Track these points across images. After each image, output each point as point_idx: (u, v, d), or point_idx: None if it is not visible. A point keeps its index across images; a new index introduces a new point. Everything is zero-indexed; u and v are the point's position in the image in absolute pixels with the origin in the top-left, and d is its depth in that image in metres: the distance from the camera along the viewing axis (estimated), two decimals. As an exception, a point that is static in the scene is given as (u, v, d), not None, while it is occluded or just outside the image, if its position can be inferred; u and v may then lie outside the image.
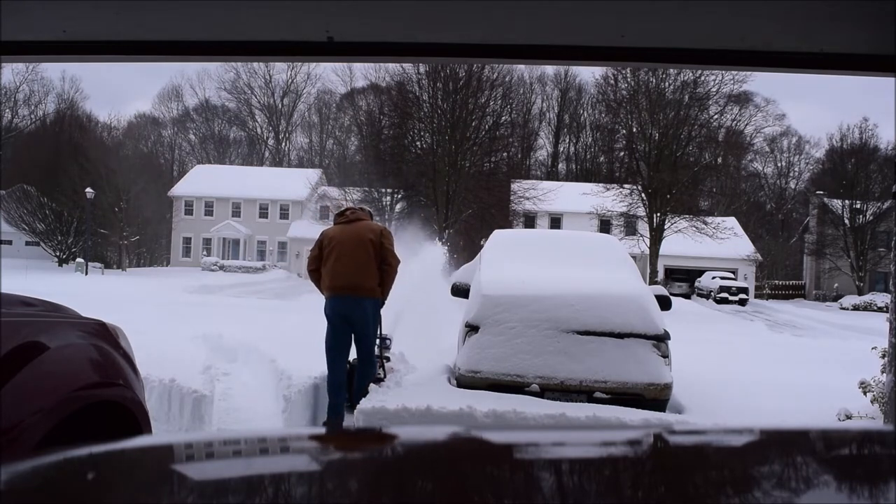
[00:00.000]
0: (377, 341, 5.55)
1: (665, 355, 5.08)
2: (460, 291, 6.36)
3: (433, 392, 4.83)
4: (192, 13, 2.44)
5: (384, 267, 5.19)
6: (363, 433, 1.56)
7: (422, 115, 32.94)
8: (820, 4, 2.26)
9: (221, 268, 42.64)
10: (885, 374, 4.80)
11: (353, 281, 5.09)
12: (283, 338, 8.01)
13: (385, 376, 5.60)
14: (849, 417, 5.02)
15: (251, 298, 21.43)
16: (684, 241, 33.78)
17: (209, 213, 48.08)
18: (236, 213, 48.03)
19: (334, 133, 65.08)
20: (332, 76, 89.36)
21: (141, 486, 0.86)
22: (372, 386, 5.09)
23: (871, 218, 43.04)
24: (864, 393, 5.21)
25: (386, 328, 5.80)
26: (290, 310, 15.68)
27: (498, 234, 7.07)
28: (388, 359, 5.88)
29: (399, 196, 32.81)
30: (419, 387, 5.15)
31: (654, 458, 1.04)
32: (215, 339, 7.62)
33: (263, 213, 48.11)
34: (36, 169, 39.51)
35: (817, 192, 48.74)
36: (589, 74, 60.28)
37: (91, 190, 34.12)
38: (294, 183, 47.89)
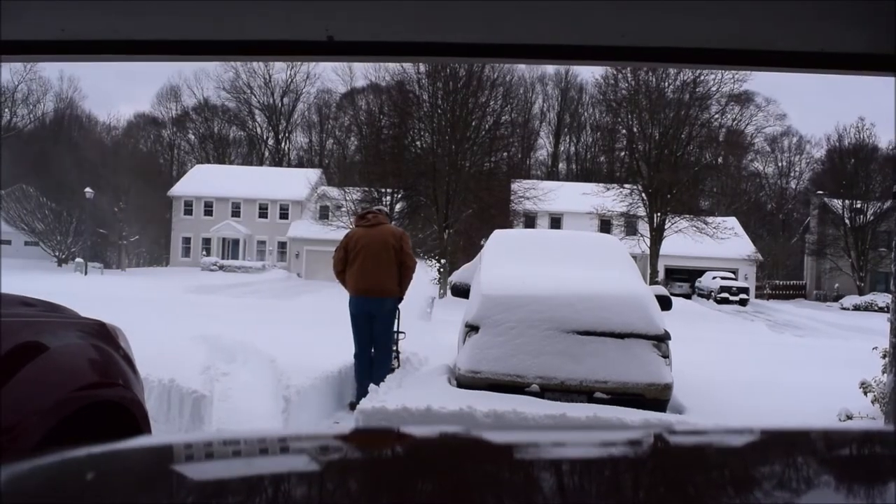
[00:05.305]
0: (394, 335, 6.21)
1: (665, 355, 5.07)
2: (460, 291, 6.37)
3: (433, 392, 4.83)
4: (191, 13, 2.44)
5: (403, 269, 5.85)
6: (363, 433, 1.56)
7: (422, 115, 32.90)
8: (820, 4, 2.26)
9: (221, 268, 42.64)
10: (885, 375, 4.80)
11: (377, 282, 5.75)
12: (282, 338, 8.01)
13: (399, 366, 6.16)
14: (849, 418, 5.02)
15: (251, 298, 21.42)
16: (685, 241, 33.76)
17: (209, 213, 48.03)
18: (236, 213, 47.98)
19: (334, 133, 65.05)
20: (332, 76, 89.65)
21: (141, 486, 0.86)
22: (372, 386, 5.13)
23: (871, 218, 43.05)
24: (865, 393, 5.20)
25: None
26: (290, 310, 15.67)
27: (498, 234, 7.06)
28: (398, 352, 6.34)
29: (399, 196, 32.79)
30: (419, 387, 5.15)
31: (654, 458, 1.04)
32: (215, 339, 7.59)
33: (263, 213, 48.06)
34: (36, 169, 39.49)
35: (818, 192, 48.73)
36: (589, 74, 60.33)
37: (91, 190, 34.13)
38: (294, 183, 47.85)
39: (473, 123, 32.36)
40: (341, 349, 6.42)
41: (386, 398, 4.66)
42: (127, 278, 30.94)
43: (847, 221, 44.17)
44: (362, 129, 41.54)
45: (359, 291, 5.79)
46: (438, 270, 22.64)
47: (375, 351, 5.93)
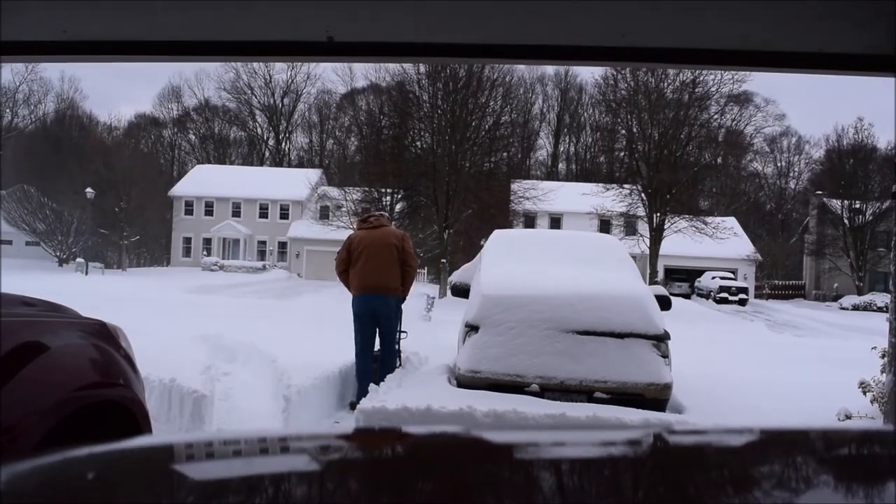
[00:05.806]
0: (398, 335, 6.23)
1: (665, 355, 5.07)
2: (460, 291, 6.37)
3: (433, 392, 4.83)
4: (192, 13, 2.44)
5: (405, 268, 5.94)
6: (363, 433, 1.56)
7: (422, 115, 32.92)
8: (820, 4, 2.26)
9: (221, 268, 42.64)
10: (884, 374, 4.80)
11: (380, 281, 5.83)
12: (283, 338, 8.01)
13: (401, 365, 6.20)
14: (849, 417, 5.02)
15: (251, 298, 21.42)
16: (684, 241, 33.77)
17: (209, 213, 48.04)
18: (236, 213, 47.99)
19: (334, 133, 65.05)
20: (332, 76, 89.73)
21: (141, 486, 0.86)
22: (372, 386, 5.14)
23: (870, 218, 43.06)
24: (864, 393, 5.21)
25: None
26: (291, 310, 15.67)
27: (498, 234, 7.06)
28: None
29: (399, 196, 32.79)
30: (419, 387, 5.15)
31: (654, 458, 1.04)
32: (215, 339, 7.60)
33: (263, 213, 48.07)
34: (37, 169, 39.51)
35: (817, 192, 48.74)
36: (589, 74, 60.31)
37: (91, 190, 34.15)
38: (294, 183, 47.85)
39: (473, 124, 32.37)
40: (341, 349, 6.42)
41: (386, 398, 4.66)
42: (128, 278, 30.95)
43: (846, 221, 44.18)
44: (362, 130, 41.56)
45: (363, 289, 5.85)
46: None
47: (382, 351, 6.00)
